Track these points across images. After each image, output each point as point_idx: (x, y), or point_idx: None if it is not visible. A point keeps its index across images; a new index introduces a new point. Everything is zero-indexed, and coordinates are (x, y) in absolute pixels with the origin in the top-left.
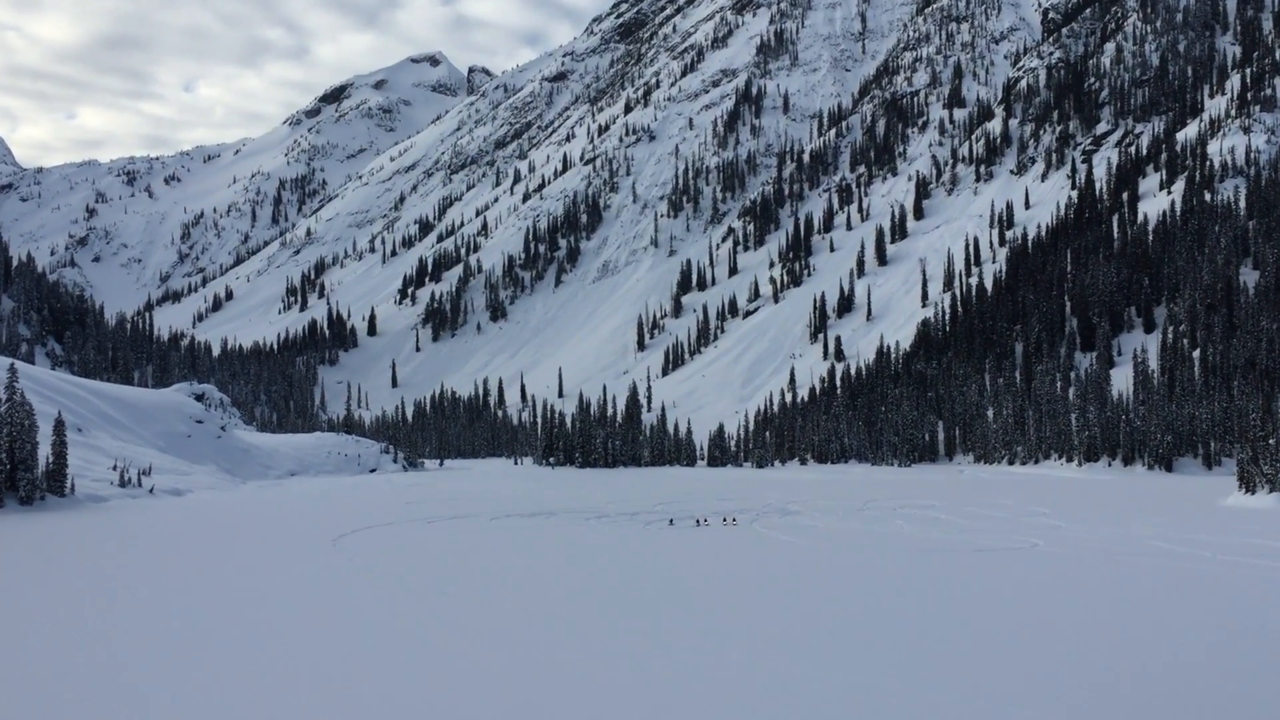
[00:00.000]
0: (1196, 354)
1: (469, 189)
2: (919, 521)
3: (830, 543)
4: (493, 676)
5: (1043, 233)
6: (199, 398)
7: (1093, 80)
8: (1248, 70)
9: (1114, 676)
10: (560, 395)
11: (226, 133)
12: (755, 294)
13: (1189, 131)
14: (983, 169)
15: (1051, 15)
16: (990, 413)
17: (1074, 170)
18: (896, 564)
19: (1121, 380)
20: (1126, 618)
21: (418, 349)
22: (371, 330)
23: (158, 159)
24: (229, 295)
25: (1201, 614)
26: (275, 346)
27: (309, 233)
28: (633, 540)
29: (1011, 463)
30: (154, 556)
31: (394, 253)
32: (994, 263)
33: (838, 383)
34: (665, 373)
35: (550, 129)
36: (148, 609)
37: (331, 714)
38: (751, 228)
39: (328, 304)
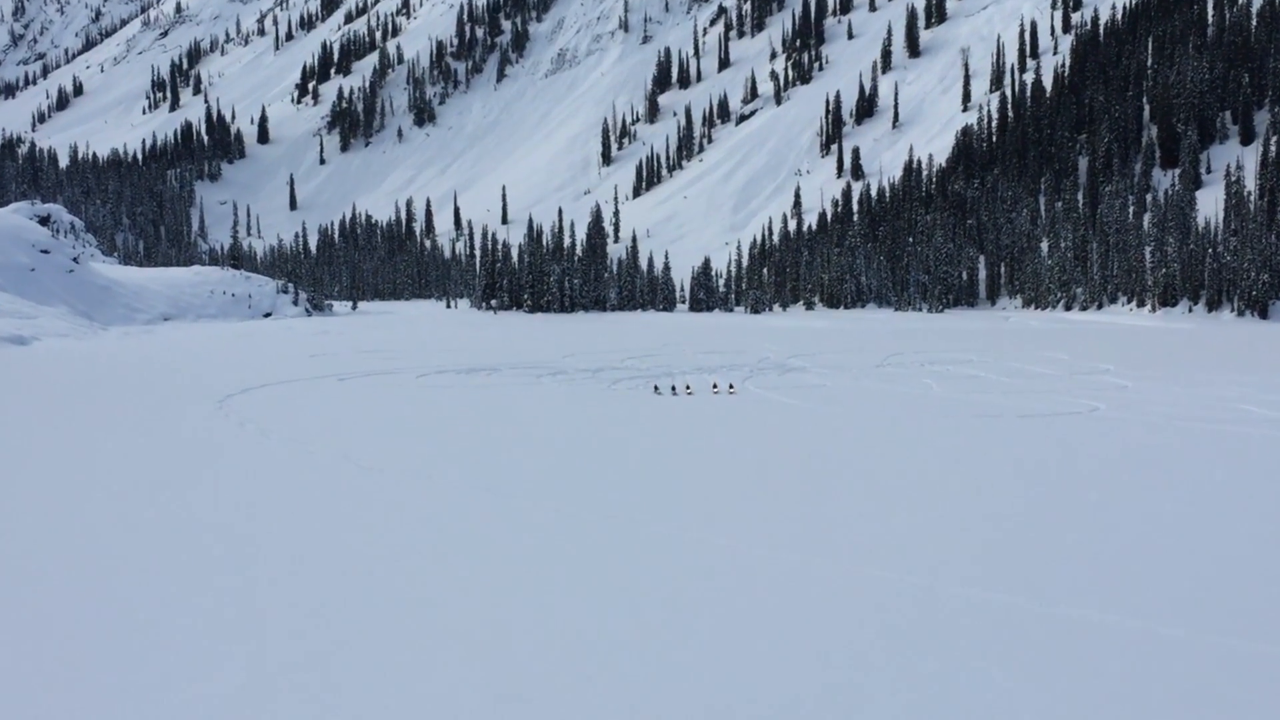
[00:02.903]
0: None
1: None
2: (952, 380)
3: (841, 406)
4: (415, 574)
5: (1118, 16)
6: (44, 221)
7: None
8: None
9: (1177, 575)
10: (505, 221)
11: None
12: (752, 93)
13: None
14: None
15: None
16: (1045, 245)
17: None
18: (922, 433)
19: (1210, 204)
20: (1201, 502)
21: (322, 161)
22: (263, 137)
23: None
24: (78, 90)
25: None
26: (140, 156)
27: (179, 9)
28: (595, 403)
29: (1069, 308)
30: None
31: (290, 36)
32: (1055, 54)
33: (854, 207)
34: (637, 193)
35: None
36: None
37: (199, 633)
38: (748, 7)
39: (206, 102)
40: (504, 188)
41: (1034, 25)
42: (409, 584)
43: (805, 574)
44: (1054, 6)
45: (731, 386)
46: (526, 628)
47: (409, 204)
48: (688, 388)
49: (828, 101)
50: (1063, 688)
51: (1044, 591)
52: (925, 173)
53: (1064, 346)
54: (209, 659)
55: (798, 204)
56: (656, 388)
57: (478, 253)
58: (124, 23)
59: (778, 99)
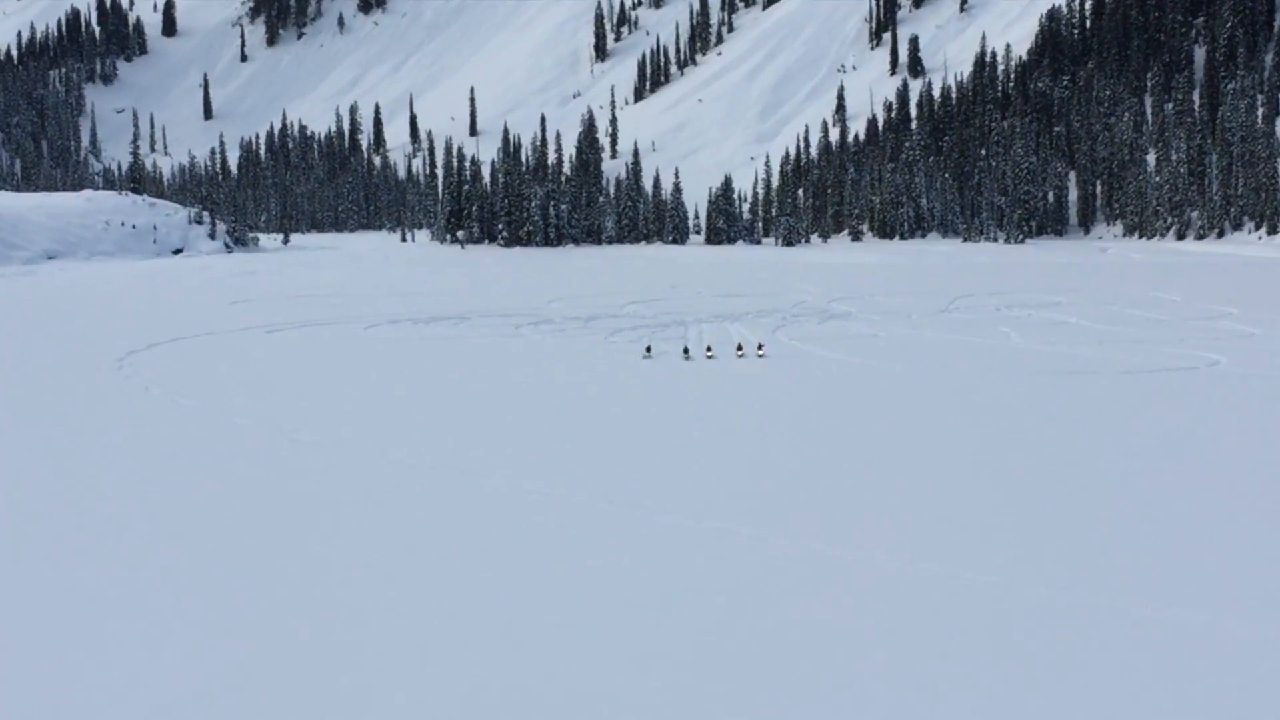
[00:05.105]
0: None
1: None
2: (1036, 328)
3: (897, 363)
4: (367, 573)
5: None
6: None
7: None
8: None
9: None
10: (473, 133)
11: None
12: None
13: None
14: None
15: None
16: (1151, 159)
17: None
18: (1000, 396)
19: None
20: None
21: (244, 58)
22: (169, 28)
23: None
24: None
25: None
26: (14, 54)
27: None
28: (588, 359)
29: (1181, 236)
30: None
31: None
32: None
33: (912, 112)
34: (639, 96)
35: None
36: None
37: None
38: None
39: None
40: (472, 90)
41: None
42: (359, 586)
43: (856, 573)
44: None
45: (761, 347)
46: (504, 640)
47: (353, 111)
48: (708, 350)
49: None
50: (1172, 706)
51: (1154, 593)
52: (1001, 68)
53: (1175, 284)
54: (132, 682)
55: (841, 108)
56: (649, 349)
57: (440, 172)
58: None
59: None
